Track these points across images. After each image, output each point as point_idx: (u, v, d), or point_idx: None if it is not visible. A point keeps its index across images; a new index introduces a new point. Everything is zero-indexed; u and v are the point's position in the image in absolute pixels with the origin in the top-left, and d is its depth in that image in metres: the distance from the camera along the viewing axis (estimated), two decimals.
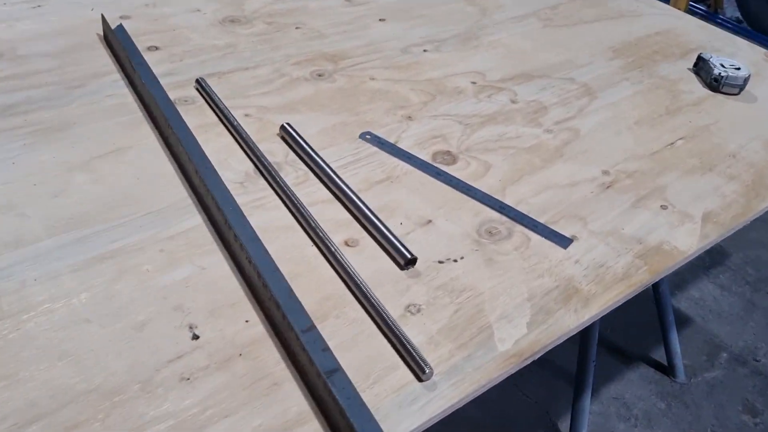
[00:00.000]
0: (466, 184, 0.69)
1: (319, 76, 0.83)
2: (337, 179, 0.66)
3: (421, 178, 0.69)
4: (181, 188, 0.63)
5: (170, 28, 0.88)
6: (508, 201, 0.68)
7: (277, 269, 0.54)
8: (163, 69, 0.79)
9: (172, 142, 0.66)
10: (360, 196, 0.64)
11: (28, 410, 0.43)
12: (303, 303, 0.52)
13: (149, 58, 0.80)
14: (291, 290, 0.52)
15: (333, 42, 0.91)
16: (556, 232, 0.65)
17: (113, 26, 0.84)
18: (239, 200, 0.62)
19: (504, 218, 0.66)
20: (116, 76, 0.77)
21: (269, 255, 0.55)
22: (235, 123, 0.71)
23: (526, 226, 0.66)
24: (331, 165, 0.68)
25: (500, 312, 0.56)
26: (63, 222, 0.57)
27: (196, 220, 0.60)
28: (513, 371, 0.52)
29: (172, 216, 0.60)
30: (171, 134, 0.66)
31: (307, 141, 0.70)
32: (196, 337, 0.50)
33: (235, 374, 0.48)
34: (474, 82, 0.88)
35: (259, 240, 0.56)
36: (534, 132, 0.79)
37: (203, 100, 0.75)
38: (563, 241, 0.64)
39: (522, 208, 0.67)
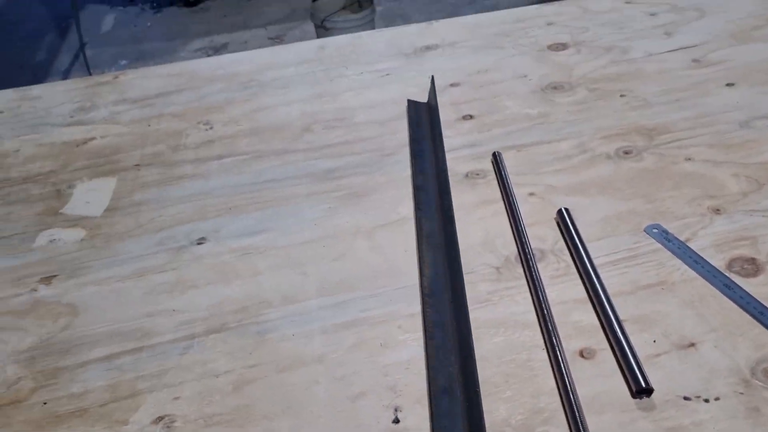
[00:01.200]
0: (761, 304, 0.58)
1: (626, 153, 0.78)
2: (594, 277, 0.61)
3: (702, 289, 0.60)
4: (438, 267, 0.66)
5: (492, 95, 0.91)
6: None
7: (472, 369, 0.53)
8: (469, 139, 0.83)
9: (438, 217, 0.70)
10: (615, 300, 0.59)
11: None
12: (507, 411, 0.51)
13: (460, 127, 0.85)
14: (477, 398, 0.51)
15: (657, 113, 0.84)
16: None
17: (441, 93, 0.91)
18: (488, 287, 0.63)
19: None
20: (425, 145, 0.84)
21: (471, 357, 0.55)
22: (514, 202, 0.71)
23: None
24: (595, 260, 0.64)
25: None
26: (333, 284, 0.65)
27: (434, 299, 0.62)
28: None
29: (420, 293, 0.63)
30: (437, 210, 0.70)
31: (580, 230, 0.67)
32: (396, 421, 0.53)
33: None
34: None
35: (466, 333, 0.56)
36: None
37: (494, 175, 0.77)
38: None
39: None
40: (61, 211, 0.81)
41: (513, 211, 0.70)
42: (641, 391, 0.52)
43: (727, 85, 0.87)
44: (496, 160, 0.78)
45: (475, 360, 0.55)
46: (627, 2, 1.11)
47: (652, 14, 1.06)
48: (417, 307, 0.62)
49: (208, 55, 3.34)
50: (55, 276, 0.71)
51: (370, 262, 0.68)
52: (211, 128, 0.93)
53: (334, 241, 0.71)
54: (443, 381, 0.55)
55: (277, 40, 3.41)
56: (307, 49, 1.10)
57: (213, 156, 0.87)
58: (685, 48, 0.96)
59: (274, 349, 0.60)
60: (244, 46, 3.39)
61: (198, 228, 0.75)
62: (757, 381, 0.52)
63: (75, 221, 0.79)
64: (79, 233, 0.77)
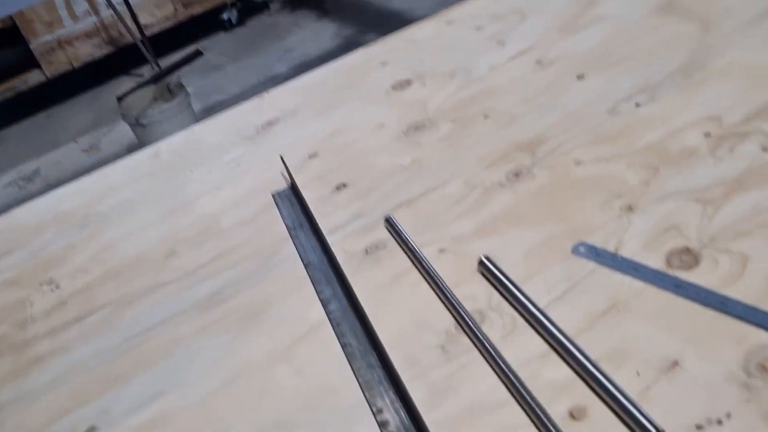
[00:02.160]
0: (718, 295, 0.54)
1: (516, 175, 0.73)
2: (547, 323, 0.55)
3: (656, 298, 0.56)
4: (375, 369, 0.58)
5: (356, 156, 0.84)
6: None
7: None
8: (352, 211, 0.75)
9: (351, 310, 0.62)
10: (579, 342, 0.53)
11: None
12: None
13: (337, 200, 0.77)
14: None
15: (527, 123, 0.81)
16: None
17: (302, 167, 0.83)
18: (441, 373, 0.55)
19: None
20: (305, 232, 0.75)
21: None
22: (428, 266, 0.64)
23: None
24: (538, 304, 0.58)
25: None
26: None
27: (389, 412, 0.54)
28: None
29: (369, 408, 0.54)
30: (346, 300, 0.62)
31: (509, 275, 0.61)
32: None
33: None
34: (708, 134, 0.71)
35: None
36: None
37: (395, 242, 0.70)
38: None
39: None
40: None
41: (432, 277, 0.63)
42: None
43: (578, 77, 0.86)
44: (391, 225, 0.71)
45: None
46: (448, 23, 1.09)
47: (478, 28, 1.05)
48: (375, 428, 0.53)
49: (20, 188, 3.05)
50: None
51: (302, 391, 0.58)
52: (57, 287, 0.79)
53: (249, 379, 0.60)
54: None
55: (92, 151, 3.18)
56: (139, 162, 0.98)
57: (70, 319, 0.73)
58: (523, 53, 0.95)
59: None
60: (58, 167, 3.13)
61: (81, 417, 0.62)
62: (757, 381, 0.48)
63: None
64: None
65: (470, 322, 0.57)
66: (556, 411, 0.50)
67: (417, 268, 0.66)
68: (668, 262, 0.59)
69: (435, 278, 0.63)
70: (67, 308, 0.75)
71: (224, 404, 0.58)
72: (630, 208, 0.65)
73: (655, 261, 0.59)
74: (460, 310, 0.59)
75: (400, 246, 0.69)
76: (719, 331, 0.52)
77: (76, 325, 0.72)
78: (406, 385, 0.54)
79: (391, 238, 0.71)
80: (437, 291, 0.62)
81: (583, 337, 0.54)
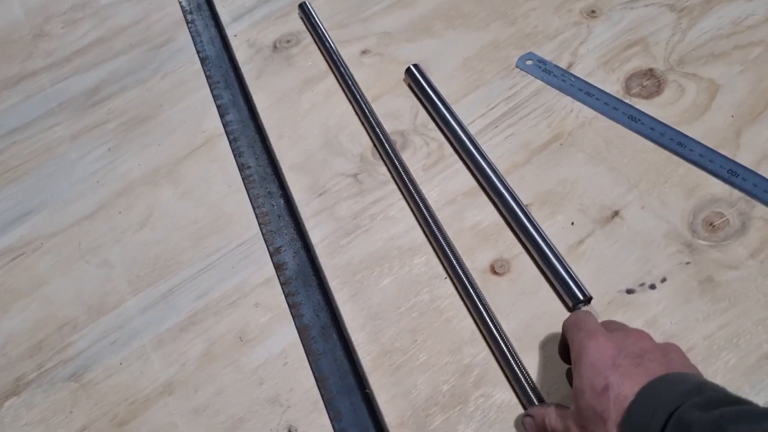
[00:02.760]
0: (677, 132, 0.47)
1: None
2: (478, 156, 0.47)
3: (607, 131, 0.48)
4: (275, 199, 0.50)
5: None
6: (744, 158, 0.45)
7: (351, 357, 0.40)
8: None
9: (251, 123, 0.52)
10: (511, 179, 0.46)
11: None
12: (429, 385, 0.39)
13: None
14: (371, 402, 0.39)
15: None
16: None
17: None
18: (352, 207, 0.48)
19: (735, 193, 0.44)
20: (202, 17, 0.62)
21: (339, 318, 0.41)
22: (347, 74, 0.54)
23: None
24: (471, 127, 0.49)
25: (720, 381, 0.37)
26: (147, 269, 0.48)
27: (287, 252, 0.47)
28: None
29: (265, 246, 0.47)
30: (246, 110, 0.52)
31: (439, 90, 0.51)
32: None
33: None
34: None
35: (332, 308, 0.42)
36: None
37: (309, 36, 0.58)
38: None
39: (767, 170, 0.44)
40: None
41: (349, 86, 0.53)
42: (579, 302, 0.41)
43: None
44: (306, 13, 0.59)
45: (351, 345, 0.42)
46: None
47: None
48: (269, 268, 0.46)
49: None
50: None
51: (188, 217, 0.50)
52: None
53: (130, 200, 0.52)
54: (330, 372, 0.41)
55: None
56: None
57: None
58: None
59: (102, 393, 0.43)
60: None
61: None
62: (700, 240, 0.42)
63: None
64: None
65: (389, 148, 0.49)
66: (477, 264, 0.44)
67: (334, 73, 0.55)
68: (626, 86, 0.50)
69: (353, 87, 0.53)
70: None
71: (101, 230, 0.50)
72: (592, 14, 0.54)
73: (611, 84, 0.50)
74: (379, 131, 0.50)
75: (316, 42, 0.57)
76: (670, 177, 0.45)
77: None
78: (305, 223, 0.47)
79: (306, 30, 0.59)
80: (354, 104, 0.52)
81: (516, 174, 0.47)
